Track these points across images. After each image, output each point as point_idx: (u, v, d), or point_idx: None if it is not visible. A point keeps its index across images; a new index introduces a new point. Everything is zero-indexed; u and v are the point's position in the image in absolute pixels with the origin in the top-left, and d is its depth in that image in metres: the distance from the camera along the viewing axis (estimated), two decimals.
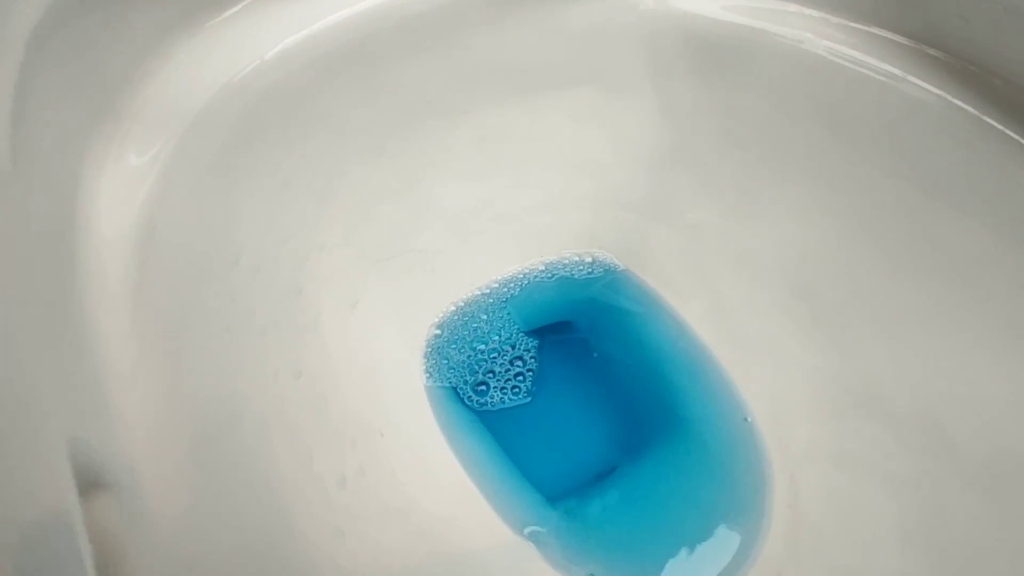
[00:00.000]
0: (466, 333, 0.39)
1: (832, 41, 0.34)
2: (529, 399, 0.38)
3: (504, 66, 0.34)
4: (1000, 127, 0.31)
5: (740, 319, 0.38)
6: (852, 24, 0.33)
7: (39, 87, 0.18)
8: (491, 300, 0.40)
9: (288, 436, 0.25)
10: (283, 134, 0.28)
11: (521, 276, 0.40)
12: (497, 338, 0.39)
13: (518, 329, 0.39)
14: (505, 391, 0.38)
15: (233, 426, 0.21)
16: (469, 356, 0.38)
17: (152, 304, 0.20)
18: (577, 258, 0.40)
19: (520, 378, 0.38)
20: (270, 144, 0.27)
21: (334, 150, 0.30)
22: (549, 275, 0.40)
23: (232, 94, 0.25)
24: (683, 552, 0.34)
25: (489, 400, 0.37)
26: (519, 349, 0.39)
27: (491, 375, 0.38)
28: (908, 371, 0.31)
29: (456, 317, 0.39)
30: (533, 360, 0.39)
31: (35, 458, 0.11)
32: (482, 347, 0.38)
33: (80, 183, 0.20)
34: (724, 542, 0.35)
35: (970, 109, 0.31)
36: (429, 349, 0.37)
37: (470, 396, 0.37)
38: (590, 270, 0.40)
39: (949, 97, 0.32)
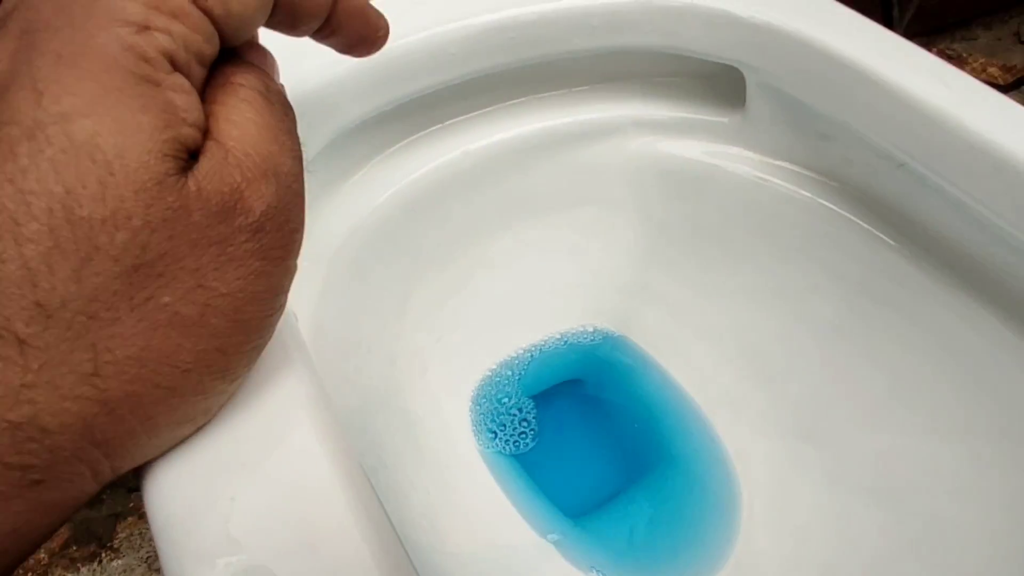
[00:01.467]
0: (494, 392, 0.50)
1: (764, 173, 0.47)
2: (527, 451, 0.48)
3: (529, 195, 0.47)
4: (884, 237, 0.43)
5: (710, 376, 0.50)
6: (775, 162, 0.47)
7: None
8: (517, 363, 0.52)
9: (390, 461, 0.37)
10: (384, 256, 0.41)
11: (541, 343, 0.52)
12: (508, 400, 0.50)
13: (525, 394, 0.51)
14: (508, 442, 0.48)
15: (371, 446, 0.34)
16: (492, 411, 0.49)
17: (319, 362, 0.32)
18: (582, 328, 0.53)
19: (523, 436, 0.49)
20: (378, 262, 0.40)
21: (415, 265, 0.43)
22: (563, 342, 0.53)
23: (356, 231, 0.39)
24: (672, 556, 0.45)
25: (495, 445, 0.48)
26: (524, 412, 0.50)
27: (502, 427, 0.49)
28: (849, 417, 0.43)
29: (491, 377, 0.51)
30: (535, 420, 0.50)
31: None
32: (502, 405, 0.50)
33: None
34: (705, 547, 0.46)
35: (863, 224, 0.44)
36: (472, 404, 0.49)
37: (484, 442, 0.47)
38: (593, 337, 0.53)
39: (847, 214, 0.44)
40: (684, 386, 0.51)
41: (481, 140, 0.44)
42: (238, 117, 0.15)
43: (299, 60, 0.30)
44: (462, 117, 0.44)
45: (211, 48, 0.15)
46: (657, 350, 0.52)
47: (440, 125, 0.43)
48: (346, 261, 0.38)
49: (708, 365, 0.50)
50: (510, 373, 0.51)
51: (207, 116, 0.15)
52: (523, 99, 0.46)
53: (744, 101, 0.46)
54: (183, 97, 0.14)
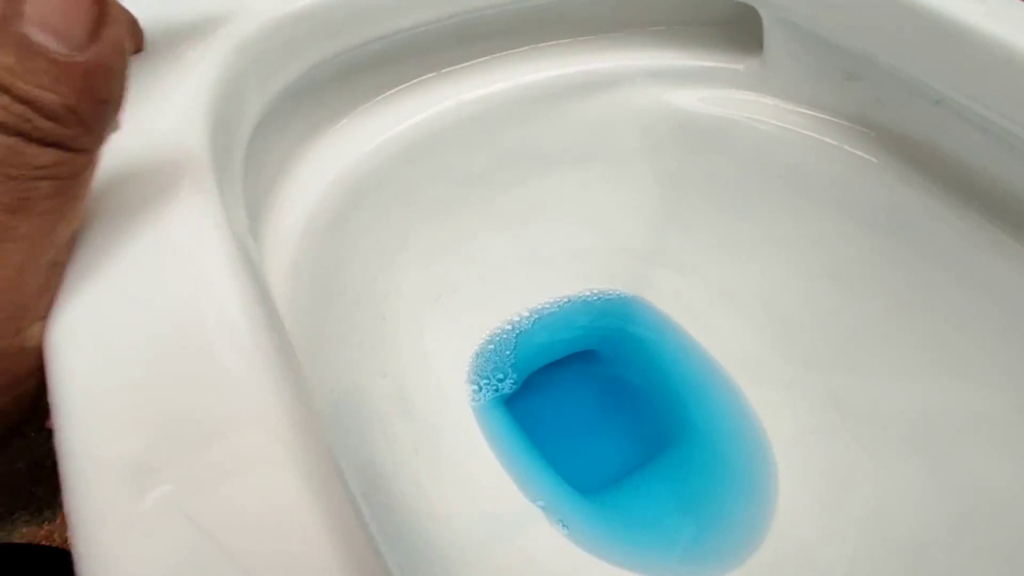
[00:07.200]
0: (496, 356, 0.47)
1: (782, 121, 0.43)
2: (532, 421, 0.45)
3: (532, 150, 0.45)
4: (916, 180, 0.39)
5: (731, 340, 0.46)
6: (797, 108, 0.43)
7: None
8: (522, 327, 0.49)
9: (378, 415, 0.34)
10: (374, 205, 0.39)
11: (550, 306, 0.49)
12: (510, 364, 0.47)
13: (532, 361, 0.47)
14: (507, 406, 0.45)
15: (348, 398, 0.31)
16: (493, 376, 0.46)
17: (297, 308, 0.30)
18: (590, 293, 0.50)
19: (528, 404, 0.45)
20: (365, 213, 0.38)
21: (408, 216, 0.41)
22: (573, 307, 0.50)
23: (343, 178, 0.37)
24: (697, 538, 0.41)
25: (489, 402, 0.44)
26: (526, 378, 0.46)
27: (500, 393, 0.45)
28: (889, 373, 0.39)
29: (496, 339, 0.48)
30: (541, 388, 0.46)
31: None
32: (502, 369, 0.46)
33: (258, 230, 0.31)
34: (735, 529, 0.42)
35: (893, 169, 0.40)
36: (472, 366, 0.46)
37: (481, 405, 0.44)
38: (606, 302, 0.50)
39: (875, 160, 0.41)
40: (706, 353, 0.47)
41: (478, 90, 0.42)
42: None
43: None
44: (458, 66, 0.42)
45: None
46: (675, 314, 0.48)
47: (435, 73, 0.41)
48: (330, 207, 0.36)
49: (730, 327, 0.46)
50: (515, 338, 0.48)
51: None
52: (524, 48, 0.44)
53: (761, 46, 0.43)
54: None
